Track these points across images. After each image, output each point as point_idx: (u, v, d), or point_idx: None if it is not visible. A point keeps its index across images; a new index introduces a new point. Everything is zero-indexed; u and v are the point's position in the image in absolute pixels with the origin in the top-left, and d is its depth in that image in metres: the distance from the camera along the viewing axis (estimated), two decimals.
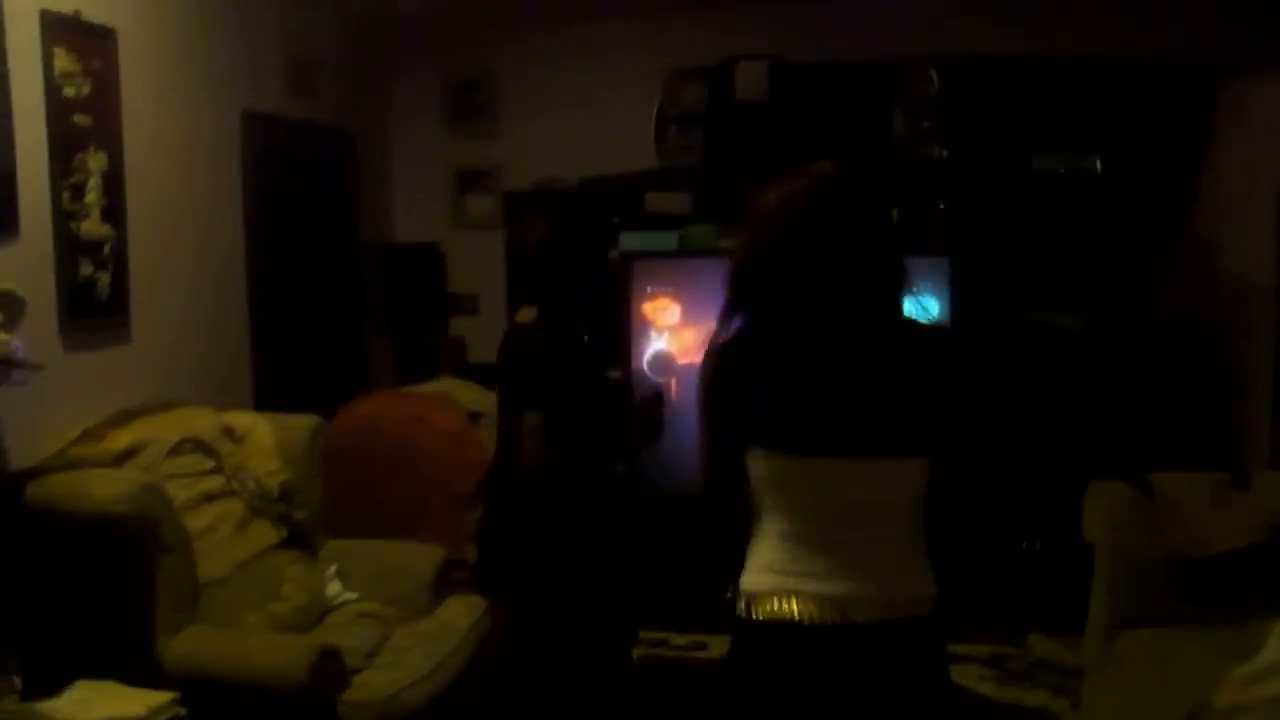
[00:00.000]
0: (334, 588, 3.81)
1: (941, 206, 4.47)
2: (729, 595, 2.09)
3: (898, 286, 2.08)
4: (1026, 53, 4.62)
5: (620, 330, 4.73)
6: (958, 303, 4.47)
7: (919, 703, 1.99)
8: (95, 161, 3.60)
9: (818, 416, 1.95)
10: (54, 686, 2.89)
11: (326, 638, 3.42)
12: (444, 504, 4.08)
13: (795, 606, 1.95)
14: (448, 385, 4.62)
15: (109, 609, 3.12)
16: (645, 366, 4.74)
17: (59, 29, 3.42)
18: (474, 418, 4.30)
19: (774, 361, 1.98)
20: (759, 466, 2.00)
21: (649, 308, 4.72)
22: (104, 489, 3.10)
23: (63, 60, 3.44)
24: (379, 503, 4.13)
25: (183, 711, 2.87)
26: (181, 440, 3.65)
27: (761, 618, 1.98)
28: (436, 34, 5.39)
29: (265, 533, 3.76)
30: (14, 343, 3.05)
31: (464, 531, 4.02)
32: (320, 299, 4.98)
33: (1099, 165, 4.49)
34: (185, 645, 3.14)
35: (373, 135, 5.44)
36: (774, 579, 1.99)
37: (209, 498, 3.61)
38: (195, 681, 3.01)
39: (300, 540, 3.89)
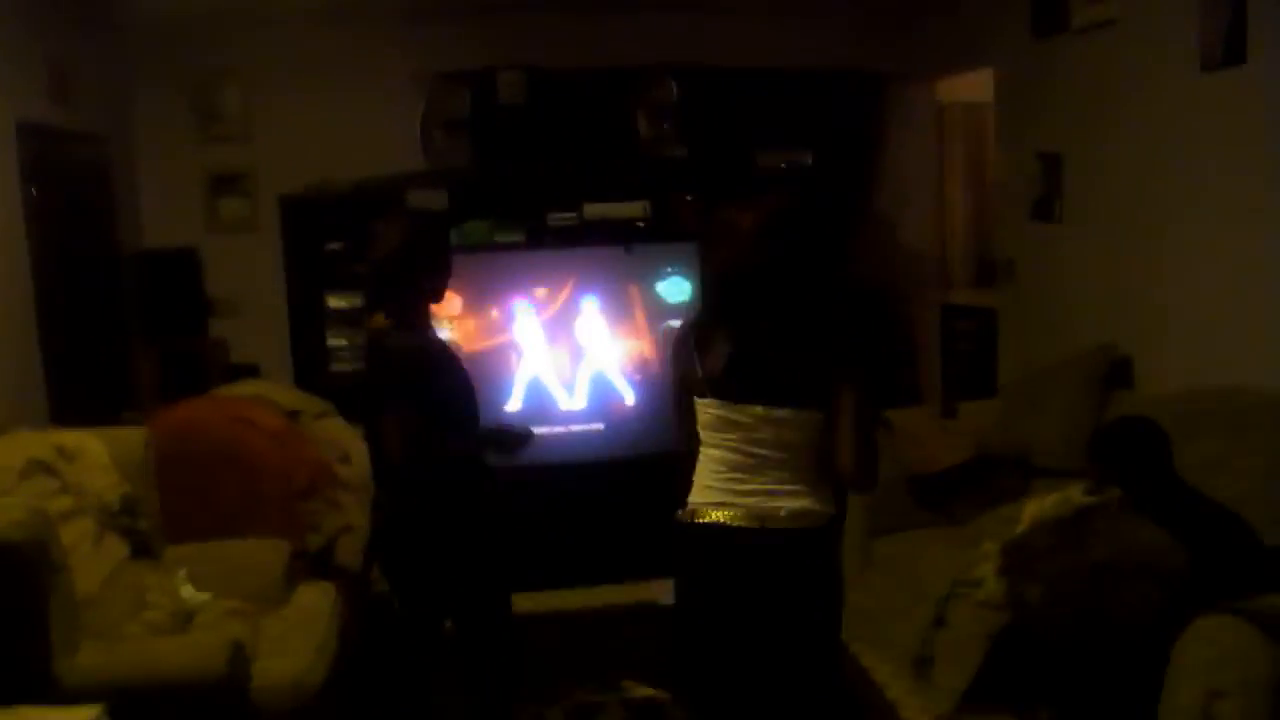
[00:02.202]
0: (188, 590, 3.82)
1: (688, 198, 5.05)
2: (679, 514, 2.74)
3: (824, 283, 2.68)
4: (748, 64, 5.27)
5: None
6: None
7: (815, 591, 2.67)
8: None
9: (752, 375, 2.58)
10: None
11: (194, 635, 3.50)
12: (278, 499, 4.13)
13: (725, 515, 2.62)
14: (260, 387, 4.63)
15: (3, 638, 3.06)
16: None
17: None
18: (293, 415, 4.39)
19: (726, 335, 2.61)
20: (706, 411, 2.65)
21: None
22: None
23: None
24: (208, 504, 4.11)
25: None
26: (26, 463, 3.55)
27: (700, 522, 2.65)
28: (182, 36, 5.25)
29: (116, 546, 3.72)
30: None
31: (303, 523, 4.13)
32: (84, 309, 4.79)
33: (810, 159, 5.25)
34: (89, 660, 3.12)
35: (122, 141, 5.23)
36: (711, 495, 2.66)
37: (63, 518, 3.54)
38: (103, 695, 3.03)
39: (145, 550, 3.87)
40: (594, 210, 5.03)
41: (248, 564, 4.00)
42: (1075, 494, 3.30)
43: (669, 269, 5.06)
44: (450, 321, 4.88)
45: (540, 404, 5.09)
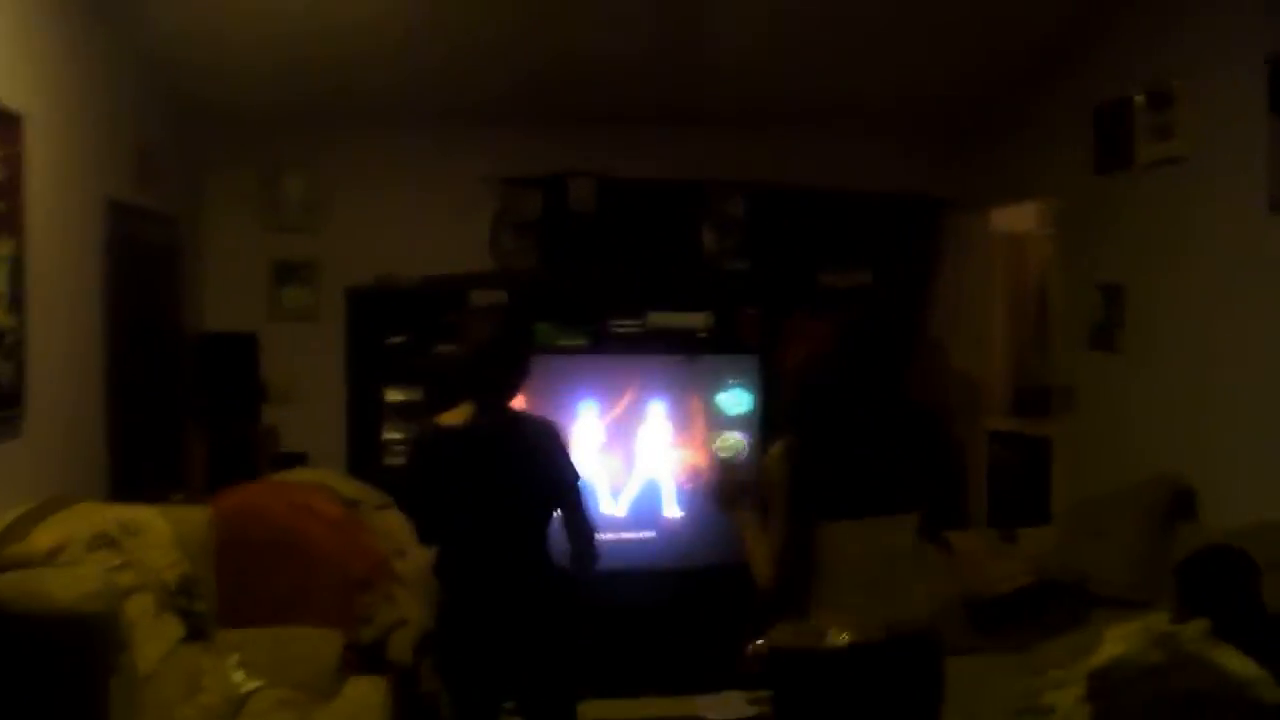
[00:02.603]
0: (239, 676, 3.72)
1: (751, 311, 5.08)
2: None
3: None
4: (812, 183, 5.36)
5: None
6: (766, 395, 5.07)
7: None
8: (4, 249, 3.41)
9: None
10: None
11: None
12: (334, 589, 4.05)
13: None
14: (321, 475, 4.58)
15: (65, 712, 2.96)
16: None
17: None
18: (352, 505, 4.33)
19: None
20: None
21: None
22: (66, 588, 2.93)
23: None
24: (263, 590, 4.03)
25: None
26: (92, 537, 3.49)
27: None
28: (254, 126, 5.35)
29: (173, 626, 3.63)
30: None
31: (357, 614, 4.04)
32: (145, 387, 4.77)
33: (870, 279, 5.30)
34: None
35: (192, 224, 5.28)
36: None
37: (125, 594, 3.46)
38: None
39: (199, 632, 3.78)
40: (658, 319, 5.05)
41: (300, 653, 3.91)
42: (1157, 622, 3.23)
43: (730, 381, 5.05)
44: None
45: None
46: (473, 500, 3.22)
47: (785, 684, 2.70)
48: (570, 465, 3.34)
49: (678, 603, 4.82)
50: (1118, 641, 3.31)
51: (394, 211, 5.45)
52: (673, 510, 5.07)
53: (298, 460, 5.34)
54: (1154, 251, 4.59)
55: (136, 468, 4.57)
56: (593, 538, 3.33)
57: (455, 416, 3.34)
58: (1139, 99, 4.53)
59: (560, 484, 3.28)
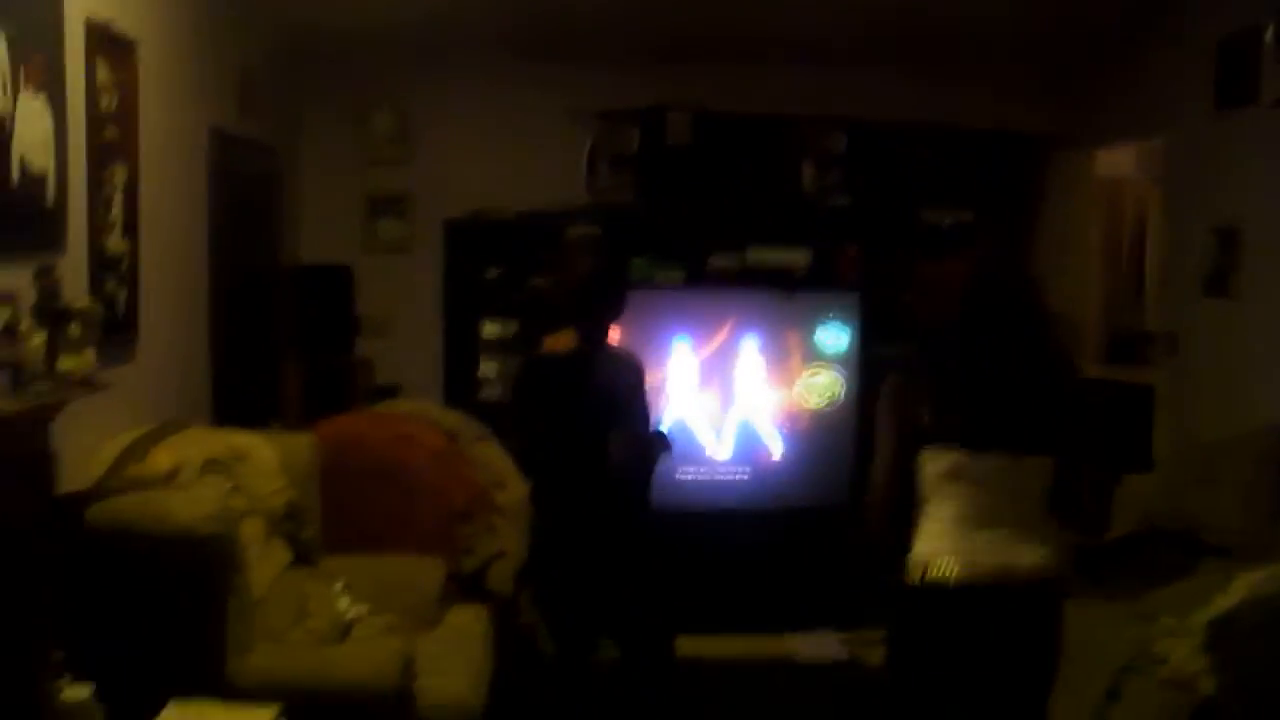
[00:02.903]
0: (344, 602, 3.75)
1: (851, 249, 4.97)
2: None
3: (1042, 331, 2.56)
4: (915, 119, 5.21)
5: None
6: (865, 333, 4.98)
7: (1050, 649, 2.57)
8: (119, 176, 3.42)
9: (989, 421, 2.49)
10: (137, 712, 2.77)
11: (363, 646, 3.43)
12: (435, 519, 4.07)
13: (964, 570, 2.48)
14: (421, 406, 4.59)
15: (184, 631, 2.99)
16: None
17: (99, 39, 3.23)
18: (452, 437, 4.33)
19: (955, 383, 2.54)
20: (936, 461, 2.52)
21: None
22: (187, 509, 2.97)
23: (103, 72, 3.26)
24: (365, 518, 4.07)
25: None
26: (206, 461, 3.52)
27: (936, 579, 2.50)
28: (353, 56, 5.31)
29: (281, 552, 3.67)
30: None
31: (458, 545, 4.06)
32: (245, 317, 4.80)
33: (973, 218, 5.15)
34: (262, 662, 3.05)
35: (290, 155, 5.27)
36: (945, 549, 2.52)
37: (238, 518, 3.49)
38: (274, 697, 2.95)
39: (305, 558, 3.82)
40: (757, 255, 4.96)
41: (403, 580, 3.93)
42: None
43: (829, 316, 4.96)
44: None
45: (686, 447, 4.97)
46: (575, 428, 3.22)
47: (900, 618, 2.65)
48: (649, 407, 3.38)
49: (772, 543, 4.77)
50: (1247, 589, 3.22)
51: (488, 145, 5.39)
52: (768, 449, 5.00)
53: (391, 393, 5.35)
54: (1276, 193, 4.39)
55: (237, 396, 4.61)
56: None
57: (558, 344, 3.34)
58: (1268, 30, 4.31)
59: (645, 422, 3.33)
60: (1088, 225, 5.61)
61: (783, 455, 4.99)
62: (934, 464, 2.54)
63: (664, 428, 3.44)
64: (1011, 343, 2.51)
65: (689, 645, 4.58)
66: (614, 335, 3.51)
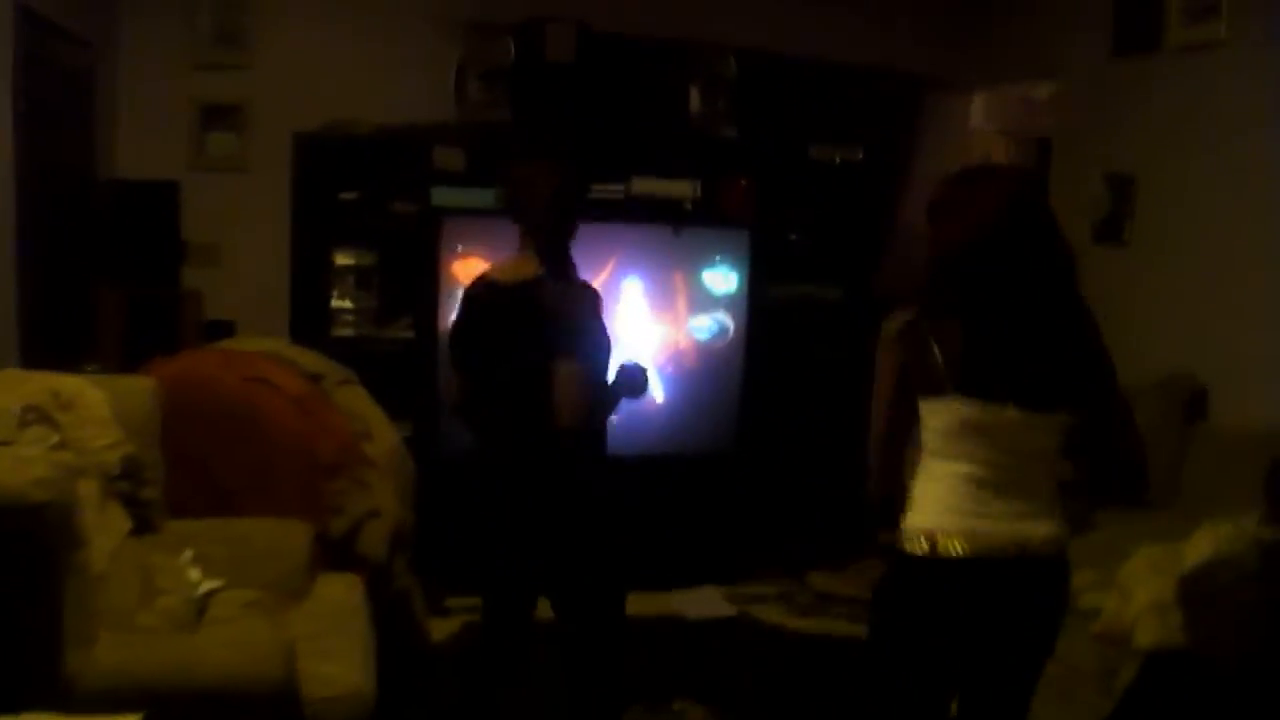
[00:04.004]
0: (194, 575, 3.15)
1: (743, 182, 4.59)
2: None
3: (1069, 270, 2.22)
4: (807, 52, 4.86)
5: (428, 288, 4.35)
6: (756, 272, 4.63)
7: (1055, 628, 2.30)
8: None
9: (1005, 370, 2.18)
10: None
11: (237, 629, 2.86)
12: (296, 474, 3.46)
13: (976, 543, 2.17)
14: (274, 344, 3.92)
15: (10, 623, 2.37)
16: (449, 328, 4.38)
17: None
18: (312, 379, 3.73)
19: (968, 325, 2.19)
20: (943, 414, 2.20)
21: (459, 266, 4.38)
22: (10, 472, 2.35)
23: None
24: (214, 475, 3.43)
25: None
26: (24, 409, 2.84)
27: (945, 555, 2.18)
28: None
29: (119, 517, 3.04)
30: None
31: (326, 504, 3.49)
32: (55, 240, 4.02)
33: (861, 156, 4.87)
34: (109, 657, 2.47)
35: (107, 51, 4.45)
36: (953, 518, 2.19)
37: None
38: (124, 700, 2.37)
39: (146, 524, 3.18)
40: (642, 185, 4.51)
41: (264, 548, 3.34)
42: (1251, 526, 2.98)
43: (718, 257, 4.58)
44: None
45: None
46: (528, 367, 2.75)
47: (887, 589, 2.32)
48: (609, 341, 2.90)
49: (654, 492, 4.39)
50: (1206, 544, 3.06)
51: (342, 52, 4.71)
52: (651, 394, 4.60)
53: (225, 329, 4.66)
54: (1172, 142, 4.28)
55: (45, 333, 3.87)
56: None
57: (511, 271, 2.85)
58: None
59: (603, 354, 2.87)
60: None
61: (666, 400, 4.61)
62: (940, 416, 2.20)
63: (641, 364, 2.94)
64: (1042, 280, 2.18)
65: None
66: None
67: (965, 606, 2.19)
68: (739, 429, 4.67)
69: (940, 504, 2.21)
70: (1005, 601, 2.19)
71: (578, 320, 2.76)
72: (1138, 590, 3.16)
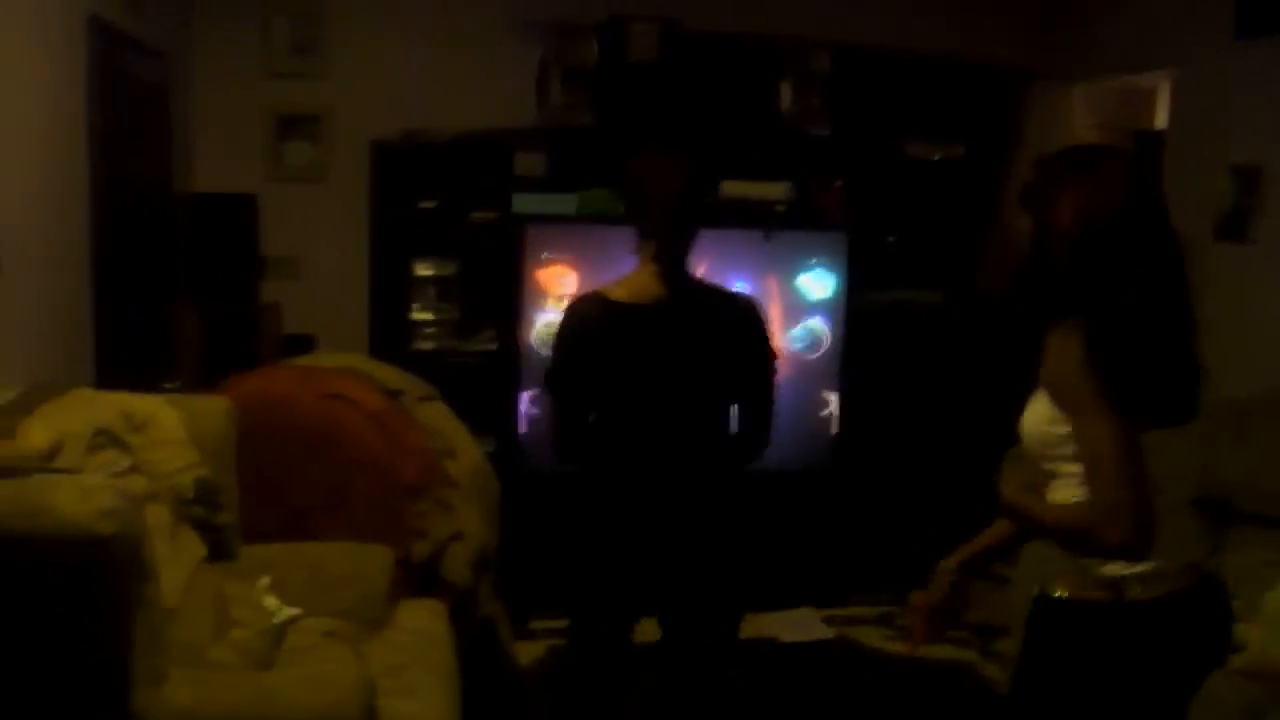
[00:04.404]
0: (272, 603, 3.00)
1: (838, 183, 4.34)
2: None
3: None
4: (901, 46, 4.60)
5: (511, 299, 4.17)
6: (853, 277, 4.37)
7: None
8: None
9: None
10: None
11: (308, 666, 2.70)
12: (377, 495, 3.31)
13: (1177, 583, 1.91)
14: (352, 359, 3.78)
15: (77, 661, 2.23)
16: (535, 339, 4.21)
17: None
18: (392, 395, 3.57)
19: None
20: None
21: (543, 275, 4.19)
22: (75, 503, 2.18)
23: None
24: (291, 498, 3.29)
25: None
26: (95, 433, 2.71)
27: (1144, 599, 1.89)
28: None
29: (193, 544, 2.89)
30: None
31: (408, 526, 3.32)
32: (134, 256, 3.92)
33: (963, 153, 4.59)
34: (180, 697, 2.30)
35: (183, 62, 4.36)
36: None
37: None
38: None
39: (222, 550, 3.04)
40: (731, 188, 4.28)
41: (343, 573, 3.18)
42: None
43: (813, 260, 4.33)
44: (562, 300, 4.10)
45: None
46: (661, 405, 2.48)
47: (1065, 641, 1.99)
48: (766, 357, 2.61)
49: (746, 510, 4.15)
50: None
51: (419, 57, 4.56)
52: None
53: (304, 343, 4.54)
54: None
55: (124, 351, 3.77)
56: (760, 450, 2.65)
57: (628, 286, 2.52)
58: None
59: (747, 378, 2.58)
60: None
61: None
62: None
63: None
64: (1178, 286, 1.92)
65: (653, 628, 4.04)
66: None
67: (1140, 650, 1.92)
68: (837, 442, 4.42)
69: None
70: (1178, 637, 1.93)
71: (724, 341, 2.50)
72: None
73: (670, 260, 2.47)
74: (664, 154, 2.53)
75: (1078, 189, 1.94)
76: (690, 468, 2.52)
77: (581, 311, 2.56)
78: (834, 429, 4.42)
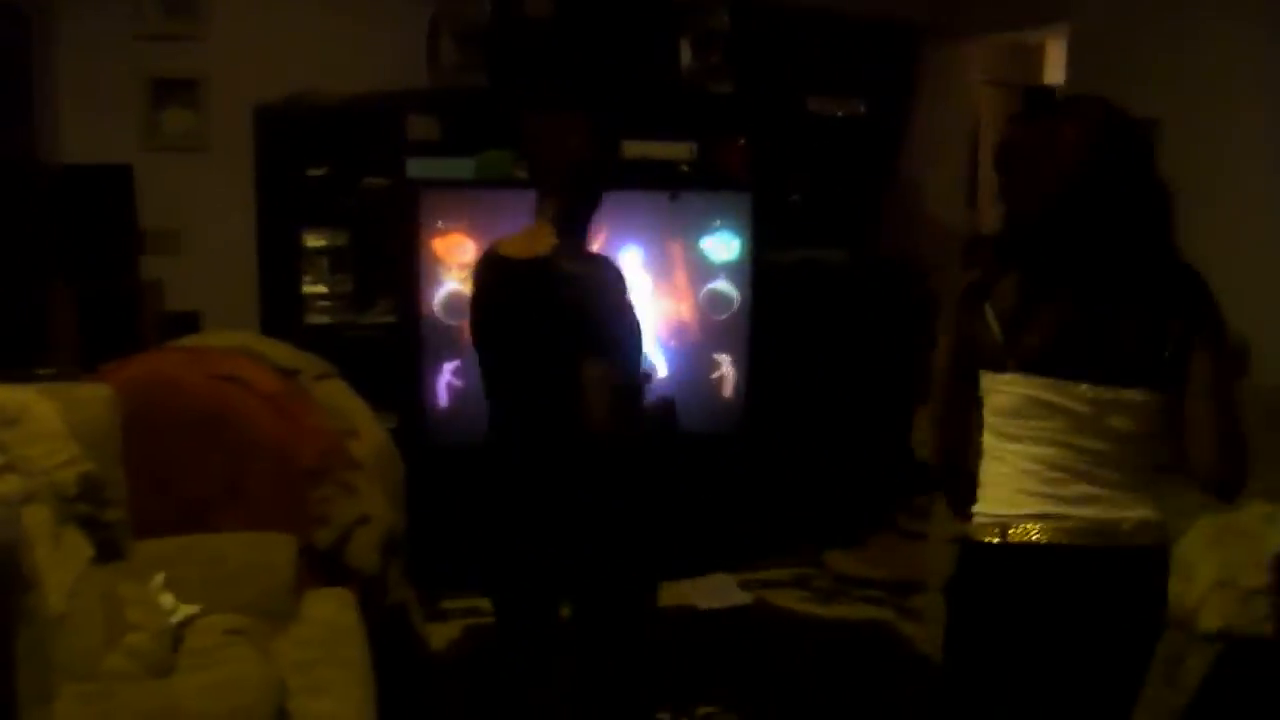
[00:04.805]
0: (168, 602, 2.81)
1: (741, 141, 4.24)
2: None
3: (1164, 219, 1.90)
4: (799, 1, 4.50)
5: (408, 268, 3.99)
6: (758, 237, 4.28)
7: (1152, 627, 1.99)
8: None
9: (1079, 343, 1.89)
10: None
11: (211, 669, 2.52)
12: (276, 481, 3.11)
13: (1053, 530, 1.90)
14: (240, 337, 3.55)
15: None
16: (437, 309, 4.04)
17: None
18: (288, 374, 3.36)
19: (1035, 291, 1.91)
20: (1008, 392, 1.94)
21: (439, 244, 4.01)
22: None
23: None
24: (182, 488, 3.09)
25: None
26: None
27: (1017, 542, 1.92)
28: None
29: (79, 545, 2.66)
30: None
31: (310, 512, 3.14)
32: None
33: (863, 109, 4.52)
34: (74, 715, 2.13)
35: (43, 24, 4.01)
36: (1026, 503, 1.92)
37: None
38: None
39: (112, 549, 2.82)
40: (634, 149, 4.14)
41: (243, 565, 2.99)
42: None
43: (717, 222, 4.23)
44: (461, 270, 3.93)
45: None
46: (537, 359, 2.43)
47: (958, 587, 2.03)
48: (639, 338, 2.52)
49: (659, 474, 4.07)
50: None
51: (301, 15, 4.31)
52: (658, 370, 4.26)
53: (188, 321, 4.29)
54: (1201, 82, 3.96)
55: None
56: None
57: (523, 244, 2.47)
58: None
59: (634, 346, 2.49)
60: (967, 121, 5.09)
61: (668, 375, 4.26)
62: (1004, 395, 1.93)
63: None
64: (1131, 236, 1.86)
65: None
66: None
67: (1045, 601, 1.90)
68: (746, 404, 4.35)
69: (1009, 488, 1.93)
70: (1091, 596, 1.90)
71: (602, 307, 2.37)
72: (1200, 567, 2.88)
73: (565, 222, 2.42)
74: (561, 115, 2.50)
75: (1062, 140, 1.87)
76: (549, 433, 2.48)
77: (479, 262, 2.61)
78: (742, 392, 4.36)
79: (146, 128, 4.31)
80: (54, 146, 4.17)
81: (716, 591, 4.17)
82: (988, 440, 1.99)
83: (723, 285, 4.28)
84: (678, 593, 4.12)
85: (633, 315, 2.46)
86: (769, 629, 3.98)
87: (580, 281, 2.36)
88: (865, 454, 4.54)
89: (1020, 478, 1.92)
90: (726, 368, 4.35)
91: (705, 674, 3.61)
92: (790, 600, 4.17)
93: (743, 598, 4.16)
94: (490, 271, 2.53)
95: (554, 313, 2.37)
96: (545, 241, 2.41)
